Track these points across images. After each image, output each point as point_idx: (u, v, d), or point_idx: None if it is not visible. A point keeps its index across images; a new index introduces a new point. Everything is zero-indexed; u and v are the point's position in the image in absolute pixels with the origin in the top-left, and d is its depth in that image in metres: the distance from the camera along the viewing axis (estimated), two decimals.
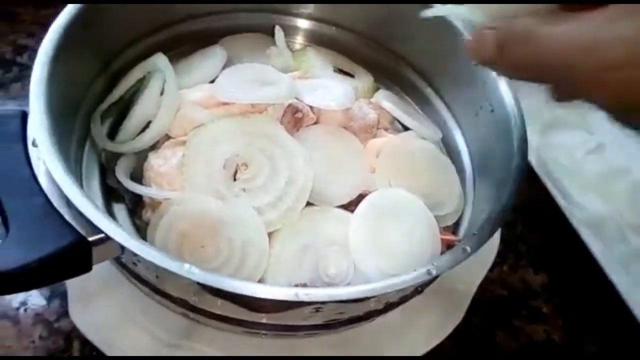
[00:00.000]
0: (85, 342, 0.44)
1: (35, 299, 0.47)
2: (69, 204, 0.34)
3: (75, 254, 0.33)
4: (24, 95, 0.60)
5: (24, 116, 0.38)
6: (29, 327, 0.46)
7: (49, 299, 0.47)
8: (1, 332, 0.45)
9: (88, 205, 0.33)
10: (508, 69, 0.31)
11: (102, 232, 0.33)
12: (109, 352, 0.42)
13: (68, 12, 0.43)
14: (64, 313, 0.46)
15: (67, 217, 0.34)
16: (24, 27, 0.67)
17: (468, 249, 0.36)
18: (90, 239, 0.33)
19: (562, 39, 0.27)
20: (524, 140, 0.46)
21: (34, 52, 0.63)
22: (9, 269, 0.31)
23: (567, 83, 0.28)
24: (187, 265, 0.31)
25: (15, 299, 0.47)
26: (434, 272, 0.35)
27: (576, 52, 0.26)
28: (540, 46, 0.27)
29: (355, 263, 0.43)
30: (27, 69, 0.63)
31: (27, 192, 0.34)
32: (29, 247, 0.32)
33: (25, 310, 0.47)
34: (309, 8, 0.58)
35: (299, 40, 0.60)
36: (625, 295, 0.54)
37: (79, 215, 0.34)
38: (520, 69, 0.30)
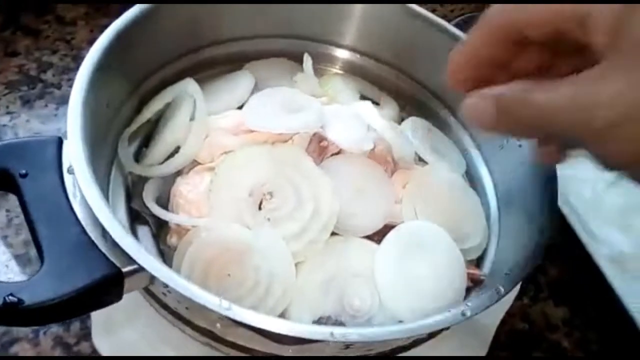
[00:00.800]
0: None
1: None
2: (103, 233, 0.34)
3: (109, 285, 0.33)
4: (48, 112, 0.61)
5: (59, 142, 0.38)
6: (48, 350, 0.46)
7: (69, 323, 0.47)
8: (21, 354, 0.45)
9: (125, 236, 0.33)
10: (509, 132, 0.32)
11: (136, 263, 0.33)
12: None
13: (104, 36, 0.43)
14: (84, 336, 0.46)
15: (102, 247, 0.34)
16: (48, 44, 0.67)
17: (502, 289, 0.36)
18: (124, 270, 0.33)
19: (561, 102, 0.27)
20: (553, 176, 0.46)
21: (58, 69, 0.65)
22: (44, 301, 0.31)
23: (573, 142, 0.29)
24: (225, 303, 0.31)
25: None
26: (469, 314, 0.35)
27: (577, 114, 0.26)
28: (542, 111, 0.28)
29: (381, 297, 0.43)
30: (51, 86, 0.63)
31: (62, 221, 0.34)
32: (64, 279, 0.32)
33: (45, 333, 0.46)
34: (337, 36, 0.58)
35: (325, 67, 0.60)
36: None
37: (114, 245, 0.33)
38: (523, 132, 0.31)
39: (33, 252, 0.50)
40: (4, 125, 0.59)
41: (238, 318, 0.31)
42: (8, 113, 0.60)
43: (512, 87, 0.29)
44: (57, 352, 0.46)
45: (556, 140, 0.33)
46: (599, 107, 0.26)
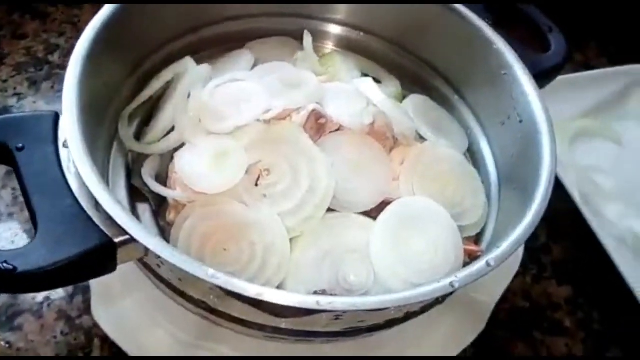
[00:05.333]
0: (106, 339, 0.44)
1: (58, 295, 0.48)
2: (97, 205, 0.35)
3: (101, 255, 0.34)
4: (54, 94, 0.62)
5: (56, 117, 0.39)
6: (51, 322, 0.47)
7: (72, 296, 0.48)
8: (25, 326, 0.47)
9: (115, 207, 0.34)
10: None
11: (128, 234, 0.34)
12: (129, 350, 0.42)
13: (102, 13, 0.43)
14: (86, 310, 0.47)
15: (95, 218, 0.35)
16: (56, 27, 0.68)
17: (492, 262, 0.36)
18: (116, 240, 0.34)
19: None
20: (553, 153, 0.45)
21: (64, 51, 0.66)
22: (37, 268, 0.32)
23: None
24: (210, 271, 0.32)
25: (39, 295, 0.48)
26: (457, 285, 0.34)
27: None
28: None
29: (376, 271, 0.43)
30: (57, 67, 0.64)
31: (56, 193, 0.35)
32: (56, 247, 0.33)
33: (49, 305, 0.48)
34: (338, 13, 0.58)
35: (327, 45, 0.60)
36: None
37: (106, 217, 0.34)
38: None
39: None
40: (12, 107, 0.60)
41: (224, 285, 0.32)
42: (15, 94, 0.61)
43: None
44: (60, 325, 0.47)
45: None
46: None
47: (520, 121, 0.49)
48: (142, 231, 0.33)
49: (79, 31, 0.65)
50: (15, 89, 0.62)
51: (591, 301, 0.57)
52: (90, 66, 0.41)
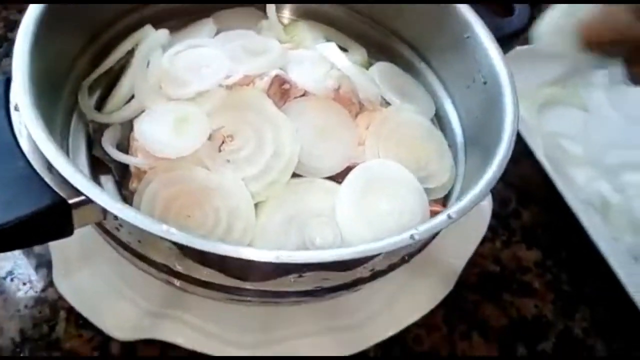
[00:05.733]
0: (71, 311, 0.44)
1: (21, 268, 0.47)
2: (50, 168, 0.34)
3: (54, 215, 0.33)
4: None
5: (7, 82, 0.38)
6: (14, 296, 0.46)
7: (36, 269, 0.47)
8: None
9: (68, 167, 0.33)
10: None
11: (82, 194, 0.33)
12: (95, 321, 0.42)
13: None
14: (50, 282, 0.46)
15: (48, 180, 0.34)
16: (16, 4, 0.66)
17: (453, 215, 0.36)
18: (71, 201, 0.33)
19: None
20: (515, 113, 0.45)
21: None
22: None
23: None
24: (165, 227, 0.31)
25: (1, 269, 0.47)
26: (417, 237, 0.34)
27: None
28: None
29: (342, 234, 0.43)
30: None
31: (8, 156, 0.34)
32: (8, 208, 0.32)
33: (12, 279, 0.47)
34: None
35: (290, 15, 0.59)
36: (617, 269, 0.53)
37: (61, 179, 0.33)
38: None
39: None
40: None
41: (179, 241, 0.31)
42: None
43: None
44: (24, 299, 0.46)
45: None
46: None
47: (484, 82, 0.49)
48: (96, 190, 0.33)
49: None
50: None
51: (560, 264, 0.58)
52: (42, 31, 0.40)
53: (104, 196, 0.32)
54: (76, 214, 0.34)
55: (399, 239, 0.34)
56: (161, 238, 0.32)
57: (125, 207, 0.32)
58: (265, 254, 0.33)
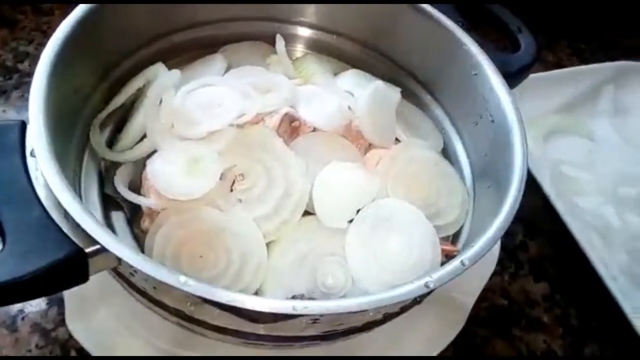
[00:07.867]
0: (82, 351, 0.43)
1: (33, 307, 0.47)
2: (66, 215, 0.34)
3: (72, 265, 0.33)
4: (24, 103, 0.61)
5: (23, 126, 0.38)
6: (26, 335, 0.46)
7: (47, 308, 0.47)
8: None
9: (84, 216, 0.33)
10: None
11: (98, 243, 0.33)
12: None
13: (71, 18, 0.43)
14: (61, 322, 0.46)
15: (64, 228, 0.34)
16: (25, 34, 0.67)
17: (466, 262, 0.36)
18: (87, 250, 0.33)
19: None
20: (524, 151, 0.45)
21: (34, 58, 0.64)
22: (6, 280, 0.31)
23: None
24: (182, 278, 0.31)
25: (13, 307, 0.47)
26: (431, 285, 0.35)
27: None
28: None
29: (353, 274, 0.43)
30: (27, 75, 0.63)
31: (24, 203, 0.34)
32: (25, 259, 0.32)
33: (23, 318, 0.47)
34: (310, 16, 0.58)
35: (300, 49, 0.60)
36: (621, 302, 0.53)
37: (76, 226, 0.33)
38: None
39: None
40: None
41: (196, 292, 0.31)
42: None
43: None
44: (35, 338, 0.46)
45: None
46: None
47: (492, 121, 0.49)
48: (113, 240, 0.33)
49: (48, 38, 0.65)
50: None
51: (568, 296, 0.58)
52: (58, 72, 0.41)
53: (121, 246, 0.32)
54: (92, 262, 0.34)
55: (414, 287, 0.34)
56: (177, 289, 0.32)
57: (141, 257, 0.32)
58: (283, 304, 0.33)
